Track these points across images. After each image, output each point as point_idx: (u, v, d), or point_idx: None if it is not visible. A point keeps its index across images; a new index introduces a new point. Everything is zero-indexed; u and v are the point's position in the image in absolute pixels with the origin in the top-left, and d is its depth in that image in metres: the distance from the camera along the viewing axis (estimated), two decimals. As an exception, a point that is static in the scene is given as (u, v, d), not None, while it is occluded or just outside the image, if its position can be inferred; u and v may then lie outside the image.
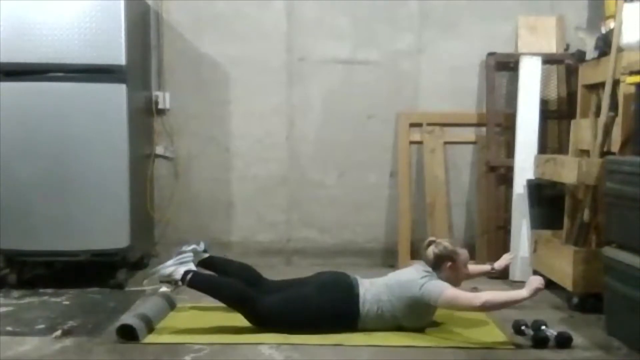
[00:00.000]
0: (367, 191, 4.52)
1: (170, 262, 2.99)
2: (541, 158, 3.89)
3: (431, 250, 3.08)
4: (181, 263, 3.00)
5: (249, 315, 2.99)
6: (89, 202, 3.74)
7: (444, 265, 3.05)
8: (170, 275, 2.96)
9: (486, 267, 3.45)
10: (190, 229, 4.50)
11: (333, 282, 3.10)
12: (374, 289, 3.05)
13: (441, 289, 2.91)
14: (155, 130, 4.48)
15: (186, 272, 2.97)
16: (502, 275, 4.12)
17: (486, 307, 2.91)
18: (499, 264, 3.41)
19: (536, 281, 2.90)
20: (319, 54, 4.47)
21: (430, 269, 3.04)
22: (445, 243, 3.11)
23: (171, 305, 3.29)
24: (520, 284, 3.94)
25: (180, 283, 2.96)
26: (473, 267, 3.38)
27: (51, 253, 3.81)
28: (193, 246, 3.20)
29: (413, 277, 3.01)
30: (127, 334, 2.86)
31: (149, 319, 3.01)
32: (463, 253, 3.13)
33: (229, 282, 3.11)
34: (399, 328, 3.01)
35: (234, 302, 3.01)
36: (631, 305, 2.80)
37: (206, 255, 3.27)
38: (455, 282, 3.03)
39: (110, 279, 3.79)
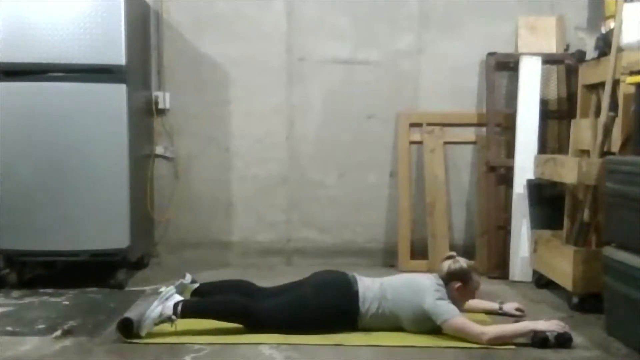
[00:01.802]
0: (367, 191, 4.52)
1: (155, 303, 2.90)
2: (541, 158, 3.89)
3: (447, 265, 3.07)
4: (166, 299, 2.93)
5: (250, 325, 2.97)
6: (89, 202, 3.74)
7: (453, 283, 3.03)
8: (161, 315, 2.89)
9: (494, 305, 3.34)
10: (190, 229, 4.51)
11: (330, 280, 3.10)
12: (377, 287, 3.04)
13: (451, 315, 2.89)
14: (155, 130, 4.47)
15: (175, 304, 2.91)
16: (502, 275, 4.14)
17: (492, 344, 2.85)
18: (508, 307, 3.32)
19: (556, 324, 2.90)
20: (319, 54, 4.47)
21: (442, 283, 3.03)
22: (464, 263, 3.08)
23: None
24: (519, 284, 3.97)
25: (174, 317, 2.89)
26: (481, 303, 3.33)
27: (51, 253, 3.81)
28: (179, 281, 3.17)
29: (426, 286, 2.99)
30: (126, 328, 2.85)
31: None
32: (476, 279, 3.10)
33: (222, 299, 3.10)
34: (398, 328, 3.01)
35: (231, 317, 2.99)
36: (631, 305, 2.80)
37: (196, 285, 3.23)
38: (457, 304, 3.00)
39: (110, 279, 3.79)
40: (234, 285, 3.28)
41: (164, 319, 2.89)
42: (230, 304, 3.02)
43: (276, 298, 3.06)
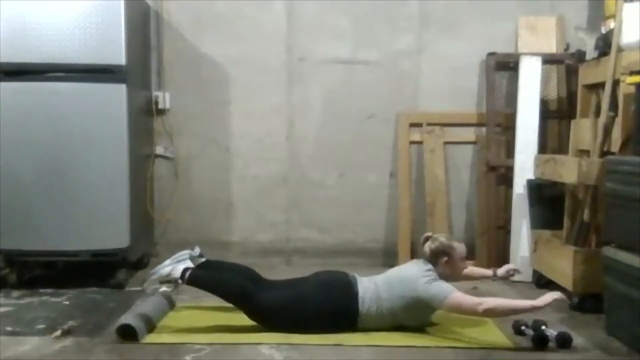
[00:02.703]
0: (367, 191, 4.52)
1: (167, 262, 2.97)
2: (541, 158, 3.89)
3: (427, 246, 3.10)
4: (179, 261, 2.99)
5: (249, 310, 2.99)
6: (89, 202, 3.74)
7: (440, 260, 3.06)
8: (169, 274, 2.95)
9: (488, 271, 3.40)
10: (190, 229, 4.51)
11: (332, 281, 3.10)
12: (373, 286, 3.05)
13: (446, 293, 2.90)
14: (155, 130, 4.48)
15: (185, 270, 2.96)
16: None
17: (489, 315, 2.91)
18: (501, 272, 3.35)
19: (551, 295, 2.90)
20: (319, 54, 4.47)
21: (430, 266, 3.04)
22: (442, 238, 3.12)
23: (171, 304, 3.29)
24: (519, 284, 3.97)
25: (180, 281, 2.94)
26: (476, 270, 3.38)
27: (51, 253, 3.81)
28: (187, 251, 3.19)
29: (415, 274, 3.00)
30: (127, 333, 2.86)
31: (149, 318, 3.01)
32: (459, 247, 3.13)
33: (229, 277, 3.11)
34: (399, 326, 3.01)
35: (234, 297, 3.01)
36: (631, 305, 2.80)
37: (202, 259, 3.25)
38: (452, 277, 3.06)
39: (110, 279, 3.79)
40: (240, 268, 3.27)
41: (170, 279, 2.92)
42: (237, 285, 3.02)
43: (278, 291, 3.07)
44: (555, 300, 2.89)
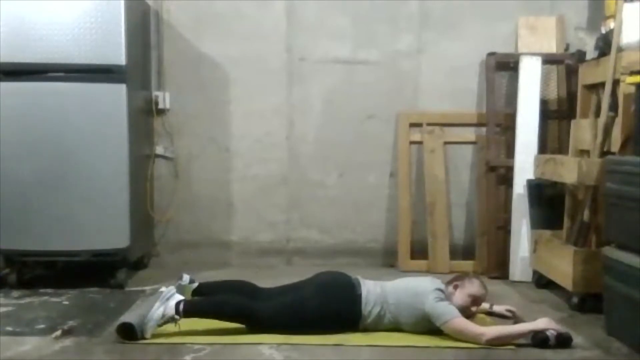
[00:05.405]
0: (367, 191, 4.51)
1: (156, 305, 2.90)
2: (541, 158, 3.89)
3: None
4: (167, 299, 2.93)
5: (251, 325, 2.98)
6: (89, 202, 3.74)
7: (451, 284, 3.09)
8: (164, 315, 2.89)
9: (484, 305, 3.29)
10: (190, 229, 4.51)
11: (332, 282, 3.09)
12: (379, 290, 3.04)
13: (451, 316, 2.89)
14: (155, 130, 4.47)
15: (177, 304, 2.91)
16: (502, 275, 4.14)
17: (491, 344, 2.84)
18: (498, 308, 3.30)
19: (548, 320, 2.91)
20: (319, 54, 4.47)
21: (444, 287, 3.04)
22: (476, 284, 3.12)
23: None
24: (519, 284, 3.97)
25: (177, 317, 2.89)
26: None
27: (51, 253, 3.81)
28: (178, 283, 3.15)
29: (426, 289, 2.99)
30: (127, 333, 2.86)
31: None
32: (477, 290, 3.09)
33: (224, 298, 3.09)
34: (399, 329, 3.01)
35: (234, 317, 2.99)
36: (631, 305, 2.80)
37: (195, 285, 3.22)
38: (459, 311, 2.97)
39: (110, 279, 3.79)
40: (234, 285, 3.27)
41: (167, 320, 2.89)
42: (232, 304, 3.02)
43: (277, 299, 3.06)
44: (551, 322, 2.90)
